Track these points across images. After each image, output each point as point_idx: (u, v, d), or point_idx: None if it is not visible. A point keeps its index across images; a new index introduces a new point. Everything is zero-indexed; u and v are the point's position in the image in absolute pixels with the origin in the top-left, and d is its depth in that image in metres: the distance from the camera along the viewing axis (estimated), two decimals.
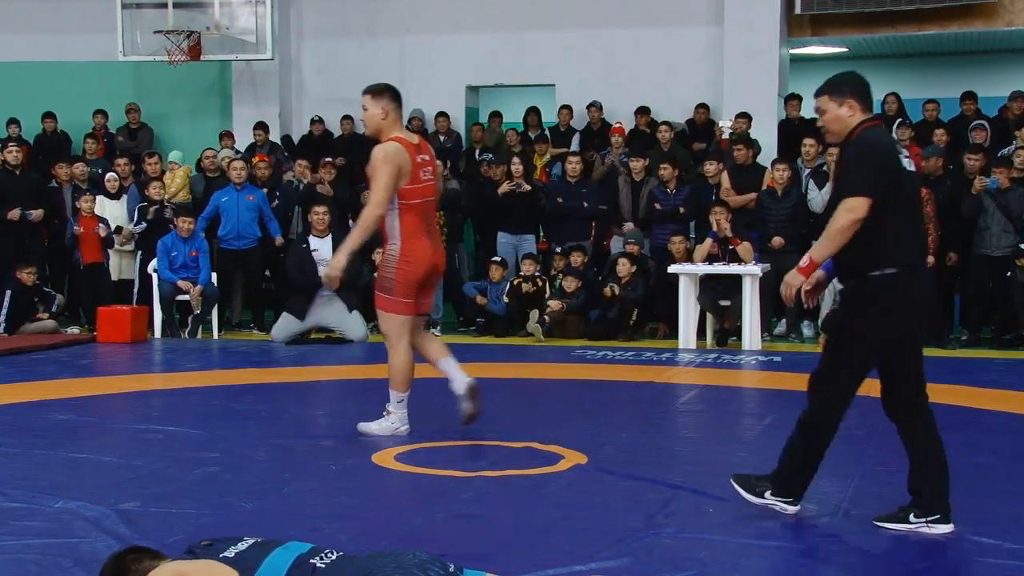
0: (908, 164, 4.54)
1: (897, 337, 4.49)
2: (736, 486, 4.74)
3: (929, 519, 4.47)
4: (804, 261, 4.51)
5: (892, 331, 4.46)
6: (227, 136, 13.83)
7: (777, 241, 10.94)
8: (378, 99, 6.35)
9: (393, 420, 6.41)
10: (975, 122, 12.04)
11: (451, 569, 3.28)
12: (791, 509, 4.63)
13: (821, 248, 4.44)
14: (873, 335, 4.45)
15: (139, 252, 12.03)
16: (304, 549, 3.33)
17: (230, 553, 3.26)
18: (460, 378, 6.42)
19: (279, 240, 12.01)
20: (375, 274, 6.38)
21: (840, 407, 4.56)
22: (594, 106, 13.37)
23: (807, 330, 11.33)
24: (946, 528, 4.47)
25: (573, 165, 11.98)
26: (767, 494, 4.65)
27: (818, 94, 4.62)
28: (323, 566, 3.25)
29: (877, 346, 4.49)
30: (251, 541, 3.35)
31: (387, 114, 6.35)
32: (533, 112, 13.77)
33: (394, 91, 6.45)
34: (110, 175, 12.57)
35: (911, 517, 4.50)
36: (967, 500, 4.96)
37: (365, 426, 6.45)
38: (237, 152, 13.50)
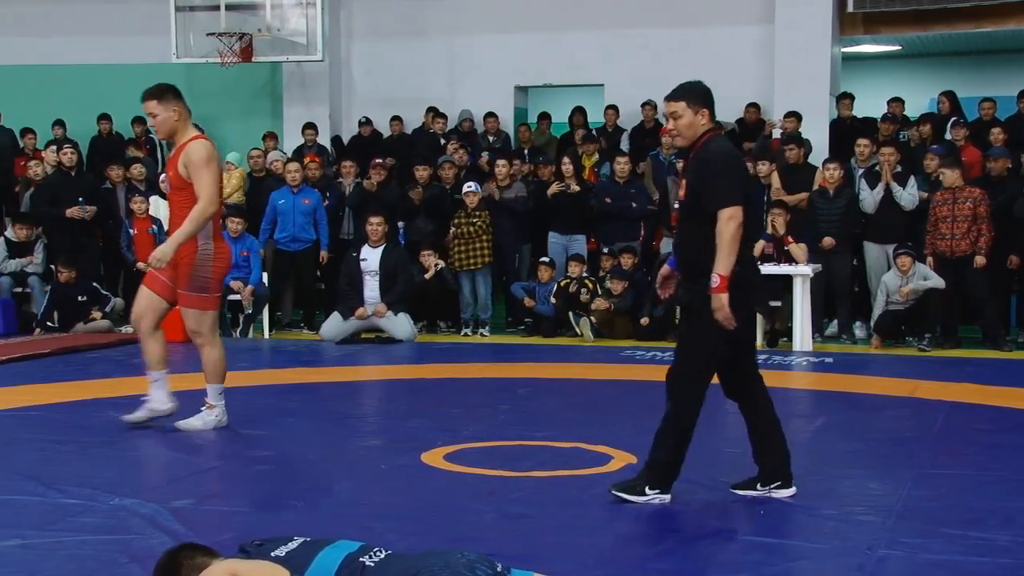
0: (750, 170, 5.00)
1: (746, 316, 4.94)
2: (620, 494, 4.88)
3: (772, 486, 4.98)
4: (716, 281, 4.71)
5: (742, 312, 4.82)
6: (270, 137, 13.95)
7: (827, 241, 10.84)
8: (166, 101, 6.32)
9: (216, 413, 6.53)
10: None
11: (499, 568, 3.29)
12: (667, 498, 4.87)
13: (726, 261, 4.70)
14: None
15: None
16: (353, 548, 3.35)
17: (281, 552, 3.29)
18: (162, 400, 6.58)
19: (325, 255, 12.07)
20: (190, 274, 6.28)
21: (701, 396, 4.90)
22: (648, 105, 13.31)
23: (859, 331, 11.22)
24: (788, 492, 4.98)
25: (622, 166, 11.96)
26: (646, 489, 4.86)
27: (674, 99, 4.91)
28: (372, 564, 3.27)
29: (732, 332, 4.81)
30: (301, 540, 3.38)
31: (179, 114, 6.34)
32: (579, 112, 13.76)
33: (177, 90, 6.44)
34: (163, 176, 12.72)
35: (757, 486, 5.01)
36: None
37: (187, 423, 6.52)
38: (283, 153, 13.63)
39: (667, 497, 4.87)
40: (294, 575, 3.20)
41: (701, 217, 4.78)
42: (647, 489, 4.85)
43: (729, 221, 4.69)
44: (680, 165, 4.93)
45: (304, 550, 3.31)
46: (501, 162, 12.27)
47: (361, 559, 3.29)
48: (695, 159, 4.88)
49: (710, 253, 4.72)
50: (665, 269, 5.13)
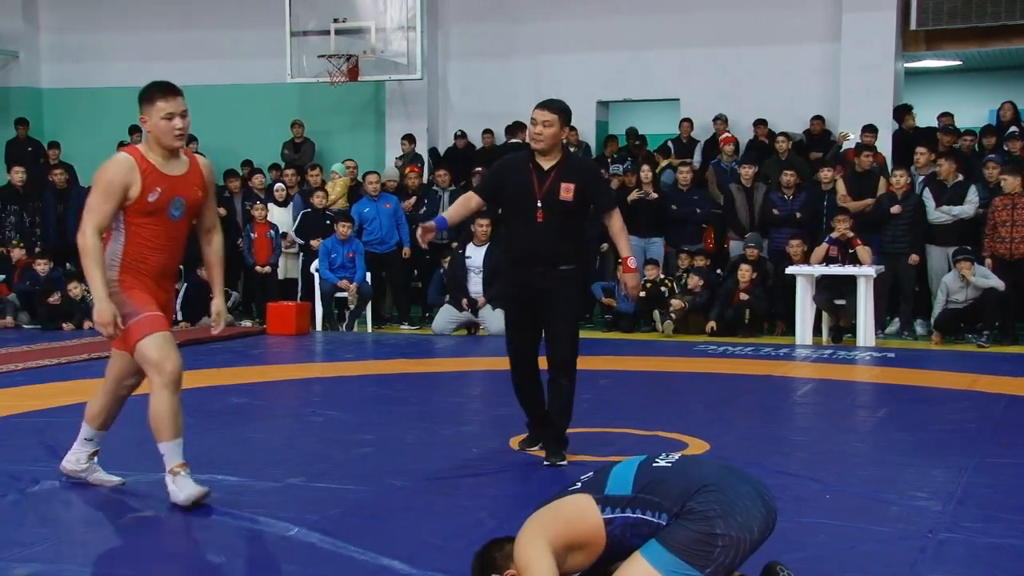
0: None
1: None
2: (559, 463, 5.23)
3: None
4: (634, 263, 5.32)
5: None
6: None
7: (913, 258, 10.60)
8: None
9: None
10: None
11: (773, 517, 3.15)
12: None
13: (627, 244, 5.29)
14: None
15: (301, 255, 12.34)
16: (643, 457, 3.29)
17: (576, 485, 3.26)
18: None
19: (408, 251, 12.10)
20: None
21: None
22: (719, 119, 13.19)
23: (920, 328, 10.95)
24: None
25: (684, 174, 11.85)
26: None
27: (550, 110, 5.14)
28: (668, 465, 3.20)
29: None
30: (592, 471, 3.34)
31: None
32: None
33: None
34: (278, 185, 12.92)
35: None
36: None
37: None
38: (396, 167, 13.78)
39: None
40: (594, 495, 3.16)
41: (581, 213, 5.21)
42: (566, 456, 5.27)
43: (620, 215, 5.27)
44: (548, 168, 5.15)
45: (597, 476, 3.26)
46: None
47: (656, 462, 3.22)
48: (575, 166, 5.24)
49: (576, 243, 5.23)
50: (430, 224, 5.27)
